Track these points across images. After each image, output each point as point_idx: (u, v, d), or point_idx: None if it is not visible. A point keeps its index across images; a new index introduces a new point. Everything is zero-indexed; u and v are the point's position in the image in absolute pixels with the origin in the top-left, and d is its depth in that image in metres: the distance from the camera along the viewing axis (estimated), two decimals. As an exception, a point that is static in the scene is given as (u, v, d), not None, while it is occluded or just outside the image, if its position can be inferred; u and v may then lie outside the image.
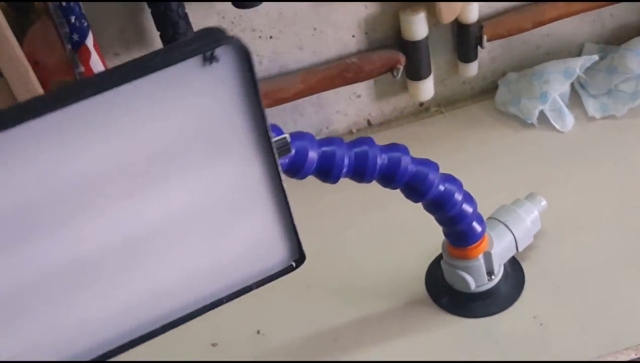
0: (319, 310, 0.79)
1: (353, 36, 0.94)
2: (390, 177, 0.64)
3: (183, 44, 0.44)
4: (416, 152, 0.98)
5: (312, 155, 0.59)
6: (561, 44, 1.02)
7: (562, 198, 0.85)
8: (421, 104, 1.05)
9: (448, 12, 0.89)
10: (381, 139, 1.02)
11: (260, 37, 0.91)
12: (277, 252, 0.57)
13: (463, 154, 0.96)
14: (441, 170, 0.92)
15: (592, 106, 0.96)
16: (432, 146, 0.99)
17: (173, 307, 0.54)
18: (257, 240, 0.56)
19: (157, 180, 0.48)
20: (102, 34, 0.85)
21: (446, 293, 0.77)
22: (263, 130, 0.49)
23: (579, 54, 1.03)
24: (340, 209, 0.91)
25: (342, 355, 0.74)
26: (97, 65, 0.81)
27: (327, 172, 0.61)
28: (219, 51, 0.44)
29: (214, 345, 0.77)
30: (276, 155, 0.52)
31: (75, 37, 0.78)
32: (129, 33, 0.86)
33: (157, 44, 0.84)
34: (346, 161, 0.61)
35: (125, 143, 0.45)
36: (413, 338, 0.74)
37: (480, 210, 0.77)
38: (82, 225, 0.47)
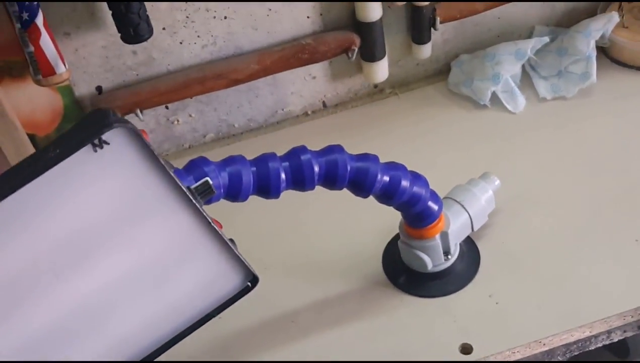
0: (277, 292, 0.79)
1: (308, 17, 0.94)
2: (331, 181, 0.65)
3: (70, 134, 0.46)
4: (371, 133, 1.00)
5: (247, 178, 0.60)
6: (512, 26, 1.04)
7: (515, 177, 0.86)
8: (375, 86, 1.05)
9: (403, -6, 0.89)
10: (337, 121, 1.04)
11: (214, 17, 0.90)
12: (229, 281, 0.59)
13: (417, 134, 0.97)
14: (395, 152, 0.93)
15: (543, 87, 0.98)
16: (387, 128, 1.00)
17: (139, 348, 0.57)
18: (206, 277, 0.58)
19: (92, 253, 0.50)
20: (52, 12, 0.82)
21: (403, 273, 0.78)
22: (177, 186, 0.51)
23: (529, 36, 1.05)
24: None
25: (301, 337, 0.75)
26: (47, 44, 0.79)
27: (266, 190, 0.62)
28: (107, 136, 0.46)
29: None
30: (199, 203, 0.53)
31: (25, 15, 0.76)
32: (79, 12, 0.84)
33: (110, 23, 0.82)
34: (283, 176, 0.61)
35: (43, 234, 0.47)
36: (371, 318, 0.75)
37: (435, 189, 0.78)
38: (33, 306, 0.50)
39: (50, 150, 0.46)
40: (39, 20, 0.77)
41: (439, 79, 1.05)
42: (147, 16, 0.81)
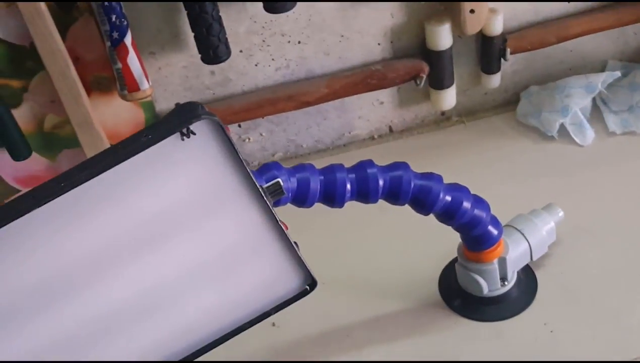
0: (334, 307, 0.81)
1: (379, 44, 0.97)
2: (394, 196, 0.67)
3: (161, 123, 0.50)
4: (436, 160, 1.01)
5: (314, 185, 0.63)
6: (584, 60, 1.04)
7: (579, 210, 0.86)
8: (443, 113, 1.07)
9: (472, 24, 0.91)
10: (402, 146, 1.06)
11: (289, 41, 0.94)
12: (289, 281, 0.61)
13: (482, 163, 0.98)
14: (460, 179, 0.94)
15: (612, 121, 0.98)
16: (452, 155, 1.01)
17: (196, 340, 0.60)
18: (268, 275, 0.60)
19: (163, 241, 0.54)
20: (140, 33, 0.88)
21: (459, 296, 0.79)
22: (251, 183, 0.54)
23: (602, 70, 1.05)
24: (360, 210, 0.93)
25: (354, 352, 0.77)
26: (134, 62, 0.85)
27: (331, 198, 0.64)
28: (194, 126, 0.49)
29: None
30: (269, 201, 0.56)
31: (115, 34, 0.82)
32: (164, 33, 0.90)
33: (192, 45, 0.87)
34: (348, 186, 0.64)
35: (128, 213, 0.51)
36: (423, 338, 0.76)
37: (497, 215, 0.79)
38: (102, 286, 0.53)
39: (143, 135, 0.49)
40: (128, 39, 0.83)
41: (507, 109, 1.06)
42: (227, 39, 0.86)
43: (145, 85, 0.87)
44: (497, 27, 0.94)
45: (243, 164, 0.53)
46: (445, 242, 0.79)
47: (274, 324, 0.81)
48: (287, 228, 0.59)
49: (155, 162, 0.49)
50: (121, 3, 0.81)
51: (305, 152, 1.07)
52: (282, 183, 0.57)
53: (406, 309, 0.80)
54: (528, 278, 0.80)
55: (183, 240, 0.54)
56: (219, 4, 0.84)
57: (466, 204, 0.70)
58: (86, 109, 0.87)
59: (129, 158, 0.47)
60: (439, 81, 0.99)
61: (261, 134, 1.04)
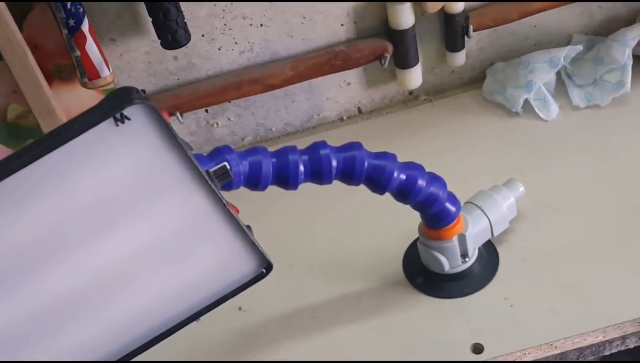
0: (299, 289, 0.82)
1: (342, 25, 0.97)
2: (349, 176, 0.67)
3: (96, 108, 0.50)
4: (403, 139, 1.02)
5: (267, 168, 0.63)
6: (549, 34, 1.04)
7: (542, 185, 0.87)
8: (410, 93, 1.07)
9: (433, 2, 0.91)
10: (371, 126, 1.07)
11: (251, 24, 0.94)
12: (244, 265, 0.61)
13: (448, 141, 0.99)
14: (426, 157, 0.95)
15: (577, 95, 0.98)
16: (419, 134, 1.02)
17: (153, 325, 0.60)
18: (222, 259, 0.61)
19: (109, 225, 0.54)
20: (99, 19, 0.88)
21: (421, 274, 0.79)
22: (195, 168, 0.54)
23: (567, 45, 1.05)
24: (324, 191, 0.94)
25: (319, 332, 0.77)
26: (92, 49, 0.84)
27: (285, 180, 0.65)
28: (128, 112, 0.49)
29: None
30: (215, 185, 0.56)
31: (71, 22, 0.81)
32: (124, 19, 0.89)
33: (152, 30, 0.87)
34: (301, 168, 0.64)
35: (68, 199, 0.51)
36: (387, 317, 0.77)
37: (461, 194, 0.79)
38: (47, 274, 0.53)
39: (77, 122, 0.49)
40: (85, 26, 0.82)
41: (474, 86, 1.06)
42: (185, 23, 0.85)
43: (105, 72, 0.86)
44: (458, 4, 0.94)
45: (182, 148, 0.53)
46: (408, 221, 0.80)
47: (240, 308, 0.81)
48: (237, 211, 0.59)
49: (91, 148, 0.49)
50: (76, -10, 0.80)
51: (274, 135, 1.07)
52: (228, 167, 0.58)
53: (370, 288, 0.80)
54: (490, 254, 0.81)
55: (129, 224, 0.54)
56: (176, -13, 0.84)
57: (421, 182, 0.70)
58: (47, 98, 0.86)
59: (62, 145, 0.47)
60: (403, 60, 0.99)
61: (229, 119, 1.04)
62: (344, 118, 1.08)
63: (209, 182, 0.55)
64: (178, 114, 0.97)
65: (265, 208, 0.84)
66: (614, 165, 0.89)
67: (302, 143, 1.04)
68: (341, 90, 1.05)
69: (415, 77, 1.01)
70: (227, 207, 0.57)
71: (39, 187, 0.49)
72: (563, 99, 0.99)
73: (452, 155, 0.96)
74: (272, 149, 1.02)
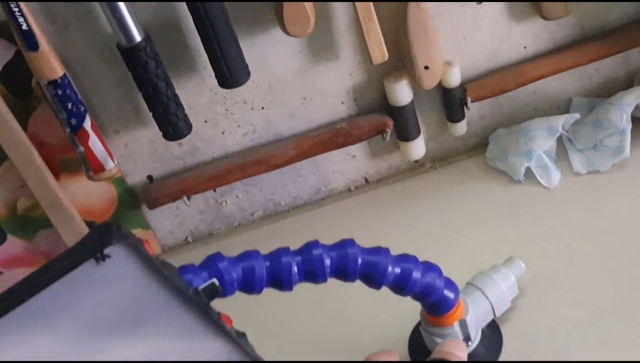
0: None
1: (342, 102, 0.99)
2: (343, 274, 0.68)
3: (77, 247, 0.50)
4: (410, 208, 1.03)
5: (260, 272, 0.64)
6: (549, 99, 1.05)
7: (544, 257, 0.87)
8: (416, 161, 1.08)
9: (428, 80, 0.92)
10: (378, 195, 1.08)
11: (252, 108, 0.96)
12: None
13: (452, 210, 0.99)
14: (431, 227, 0.96)
15: (577, 161, 0.99)
16: (425, 202, 1.02)
17: None
18: None
19: (103, 348, 0.54)
20: (102, 113, 0.91)
21: (426, 357, 0.79)
22: (182, 292, 0.55)
23: (568, 108, 1.06)
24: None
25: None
26: (95, 144, 0.87)
27: (279, 283, 0.66)
28: (108, 250, 0.50)
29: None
30: (203, 303, 0.57)
31: (73, 121, 0.84)
32: (126, 111, 0.92)
33: (153, 121, 0.90)
34: (295, 269, 0.65)
35: (54, 338, 0.52)
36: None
37: (464, 267, 0.80)
38: None
39: (59, 263, 0.51)
40: (87, 123, 0.85)
41: (479, 151, 1.07)
42: (185, 115, 0.88)
43: (110, 165, 0.89)
44: (454, 78, 0.96)
45: (169, 279, 0.54)
46: (413, 302, 0.80)
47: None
48: (230, 322, 0.60)
49: (73, 286, 0.51)
50: (76, 89, 0.83)
51: (284, 209, 1.09)
52: (217, 284, 0.59)
53: (375, 372, 0.81)
54: (493, 334, 0.80)
55: (117, 355, 0.56)
56: (174, 80, 0.86)
57: (416, 274, 0.71)
58: (54, 192, 0.89)
59: (44, 288, 0.49)
60: (405, 134, 1.00)
61: (237, 196, 1.06)
62: (352, 189, 1.09)
63: (197, 301, 0.56)
64: (185, 198, 0.99)
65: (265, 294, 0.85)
66: (617, 234, 0.89)
67: (312, 216, 1.08)
68: (347, 163, 1.06)
69: (417, 148, 1.02)
70: (218, 322, 0.58)
71: (23, 331, 0.51)
72: (564, 163, 1.00)
73: (456, 225, 0.96)
74: (282, 223, 1.08)
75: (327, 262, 0.68)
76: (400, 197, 1.06)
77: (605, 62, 1.01)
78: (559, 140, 1.01)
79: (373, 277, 0.69)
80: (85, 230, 0.97)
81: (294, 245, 1.01)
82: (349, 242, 0.69)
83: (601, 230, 0.89)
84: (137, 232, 1.03)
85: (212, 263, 0.64)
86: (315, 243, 0.69)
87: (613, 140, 0.96)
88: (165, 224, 1.05)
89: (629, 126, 0.95)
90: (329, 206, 1.08)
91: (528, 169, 0.99)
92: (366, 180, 1.09)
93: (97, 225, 0.53)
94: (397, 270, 0.70)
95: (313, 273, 0.67)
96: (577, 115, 0.97)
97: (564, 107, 1.06)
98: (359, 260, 0.68)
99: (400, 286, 0.70)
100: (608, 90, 1.05)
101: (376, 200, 1.07)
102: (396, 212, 1.03)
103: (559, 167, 0.99)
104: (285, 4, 0.80)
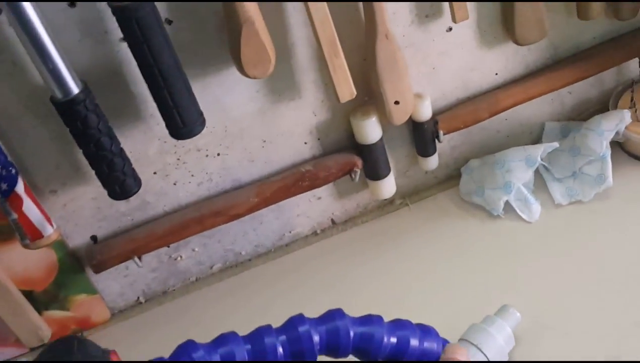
0: None
1: (305, 143, 0.91)
2: (334, 350, 0.60)
3: None
4: (381, 252, 0.95)
5: (241, 357, 0.57)
6: (522, 125, 0.99)
7: (533, 299, 0.81)
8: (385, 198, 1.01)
9: (399, 115, 0.85)
10: (346, 237, 1.00)
11: (207, 155, 0.87)
12: None
13: (428, 251, 0.92)
14: (405, 272, 0.89)
15: (558, 192, 0.93)
16: (397, 242, 0.95)
17: None
18: None
19: None
20: (36, 172, 0.80)
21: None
22: None
23: (540, 133, 1.00)
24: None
25: None
26: (31, 210, 0.77)
27: None
28: None
29: None
30: None
31: (4, 186, 0.74)
32: (64, 168, 0.82)
33: (95, 177, 0.79)
34: (280, 350, 0.57)
35: None
36: None
37: (449, 316, 0.75)
38: None
39: None
40: (20, 188, 0.75)
41: (451, 184, 1.01)
42: (133, 170, 0.78)
43: (48, 230, 0.79)
44: (425, 112, 0.89)
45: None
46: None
47: None
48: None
49: None
50: (5, 151, 0.73)
51: (245, 258, 1.00)
52: None
53: None
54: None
55: None
56: (117, 131, 0.77)
57: (414, 342, 0.63)
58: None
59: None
60: (374, 172, 0.93)
61: (193, 249, 0.96)
62: (318, 231, 1.01)
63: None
64: (136, 259, 0.89)
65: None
66: (606, 267, 0.83)
67: (276, 264, 0.99)
68: (312, 205, 0.98)
69: (388, 186, 0.95)
70: None
71: None
72: (544, 194, 0.94)
73: (434, 268, 0.90)
74: (244, 275, 0.98)
75: (316, 338, 0.60)
76: (371, 238, 0.99)
77: (578, 84, 0.96)
78: (536, 170, 0.95)
79: (368, 351, 0.61)
80: (23, 301, 0.86)
81: (260, 298, 0.93)
82: (338, 314, 0.61)
83: (589, 264, 0.84)
84: (83, 298, 0.92)
85: (184, 354, 0.55)
86: (300, 319, 0.60)
87: (593, 167, 0.91)
88: (114, 286, 0.95)
89: (609, 151, 0.91)
90: (295, 252, 1.00)
91: (507, 203, 0.92)
92: (333, 221, 1.01)
93: (57, 340, 0.44)
94: (394, 339, 0.62)
95: (301, 354, 0.59)
96: (556, 144, 0.91)
97: (536, 133, 1.00)
98: (352, 333, 0.60)
99: (399, 355, 0.63)
100: (581, 113, 1.01)
101: (345, 243, 0.99)
102: (367, 257, 0.95)
103: (539, 199, 0.93)
104: (243, 44, 0.71)
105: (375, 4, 0.76)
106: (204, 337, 0.63)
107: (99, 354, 0.45)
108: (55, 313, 0.92)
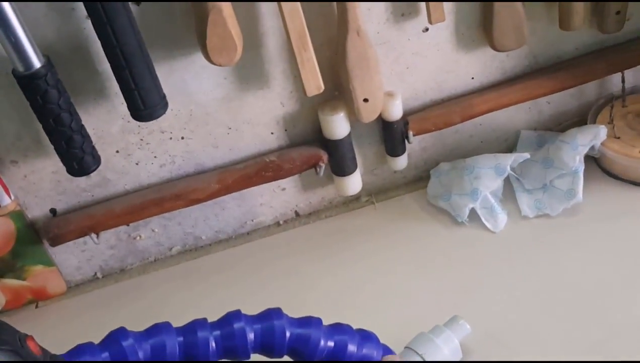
0: None
1: (272, 133, 0.89)
2: (268, 349, 0.59)
3: None
4: (342, 246, 0.94)
5: (172, 349, 0.56)
6: (496, 131, 0.98)
7: (488, 312, 0.80)
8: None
9: (368, 113, 0.84)
10: (309, 230, 0.99)
11: (170, 138, 0.86)
12: None
13: (390, 253, 0.91)
14: (365, 273, 0.87)
15: (526, 203, 0.92)
16: (360, 242, 0.94)
17: None
18: None
19: None
20: (-3, 142, 0.79)
21: None
22: None
23: (515, 140, 0.99)
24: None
25: None
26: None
27: (193, 361, 0.56)
28: None
29: None
30: None
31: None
32: (25, 140, 0.81)
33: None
34: (213, 345, 0.56)
35: None
36: None
37: (399, 323, 0.74)
38: None
39: None
40: (-24, 158, 0.74)
41: (419, 186, 0.99)
42: (93, 148, 0.77)
43: (6, 200, 0.78)
44: (396, 111, 0.87)
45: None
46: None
47: None
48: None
49: None
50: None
51: (205, 243, 0.99)
52: None
53: None
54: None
55: None
56: (81, 108, 0.75)
57: (352, 347, 0.63)
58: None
59: None
60: (340, 168, 0.91)
61: (153, 230, 0.95)
62: (281, 222, 1.00)
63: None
64: (93, 235, 0.88)
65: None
66: (568, 285, 0.82)
67: (236, 251, 0.98)
68: (276, 196, 0.97)
69: (354, 183, 0.93)
70: None
71: None
72: (511, 204, 0.93)
73: (392, 271, 0.88)
74: (203, 259, 0.98)
75: (251, 336, 0.59)
76: (333, 234, 0.97)
77: (558, 94, 0.94)
78: (506, 179, 0.93)
79: (303, 352, 0.61)
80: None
81: (216, 284, 0.92)
82: (275, 313, 0.61)
83: (549, 280, 0.82)
84: (39, 269, 0.91)
85: (113, 341, 0.54)
86: (236, 315, 0.60)
87: (564, 181, 0.90)
88: (72, 260, 0.94)
89: (582, 167, 0.89)
90: (256, 241, 0.99)
91: (472, 210, 0.91)
92: (297, 213, 1.00)
93: None
94: (331, 343, 0.61)
95: (234, 350, 0.59)
96: (527, 155, 0.90)
97: (512, 140, 0.99)
98: (287, 334, 0.60)
99: (337, 360, 0.62)
100: (559, 123, 0.99)
101: (306, 237, 0.98)
102: (326, 253, 0.94)
103: (506, 209, 0.92)
104: (209, 31, 0.70)
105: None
106: (156, 318, 0.62)
107: (13, 339, 0.44)
108: (11, 282, 0.91)
